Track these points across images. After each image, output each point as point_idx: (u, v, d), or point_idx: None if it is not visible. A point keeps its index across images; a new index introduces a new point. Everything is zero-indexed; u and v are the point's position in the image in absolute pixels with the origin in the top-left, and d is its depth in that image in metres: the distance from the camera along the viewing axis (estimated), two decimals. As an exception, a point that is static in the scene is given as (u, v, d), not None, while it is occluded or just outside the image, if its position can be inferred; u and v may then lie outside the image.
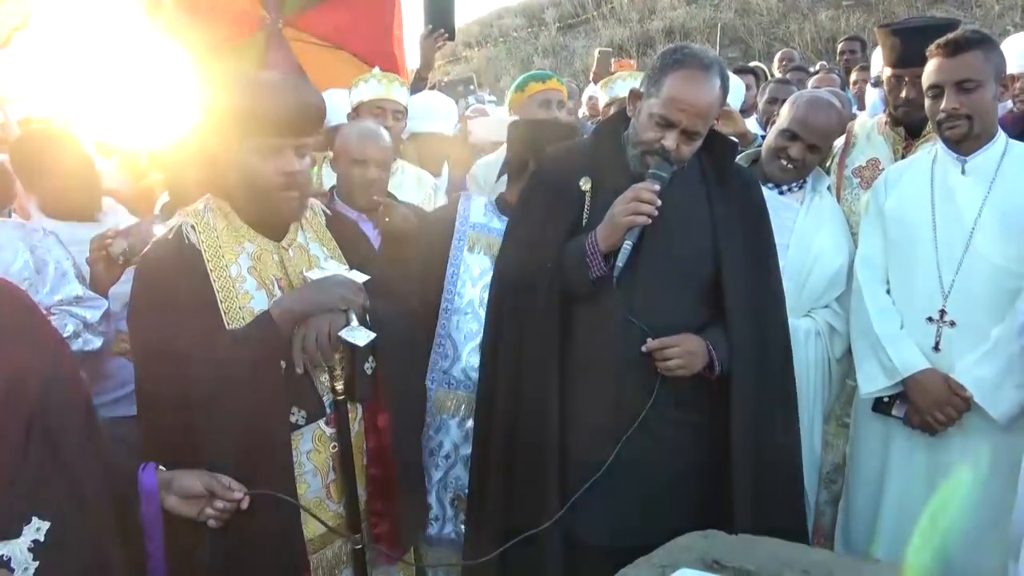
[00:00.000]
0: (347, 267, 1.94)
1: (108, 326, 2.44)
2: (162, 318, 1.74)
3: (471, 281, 2.50)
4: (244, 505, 1.61)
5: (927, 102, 2.34)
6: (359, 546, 1.96)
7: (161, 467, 1.59)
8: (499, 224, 2.55)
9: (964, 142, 2.31)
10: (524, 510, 2.01)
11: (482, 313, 2.42)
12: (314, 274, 1.87)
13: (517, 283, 2.06)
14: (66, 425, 1.39)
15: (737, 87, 3.80)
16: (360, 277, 1.90)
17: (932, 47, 2.30)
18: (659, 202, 1.87)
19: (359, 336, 1.80)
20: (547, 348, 1.99)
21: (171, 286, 1.76)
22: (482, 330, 2.37)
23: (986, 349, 2.24)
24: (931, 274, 2.34)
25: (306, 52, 4.88)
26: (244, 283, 1.83)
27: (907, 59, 2.60)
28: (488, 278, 2.40)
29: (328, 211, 2.09)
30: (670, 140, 1.89)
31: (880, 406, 2.43)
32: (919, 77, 2.47)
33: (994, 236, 2.26)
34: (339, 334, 1.79)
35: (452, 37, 4.01)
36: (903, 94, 2.64)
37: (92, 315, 2.39)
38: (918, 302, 2.38)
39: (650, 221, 1.87)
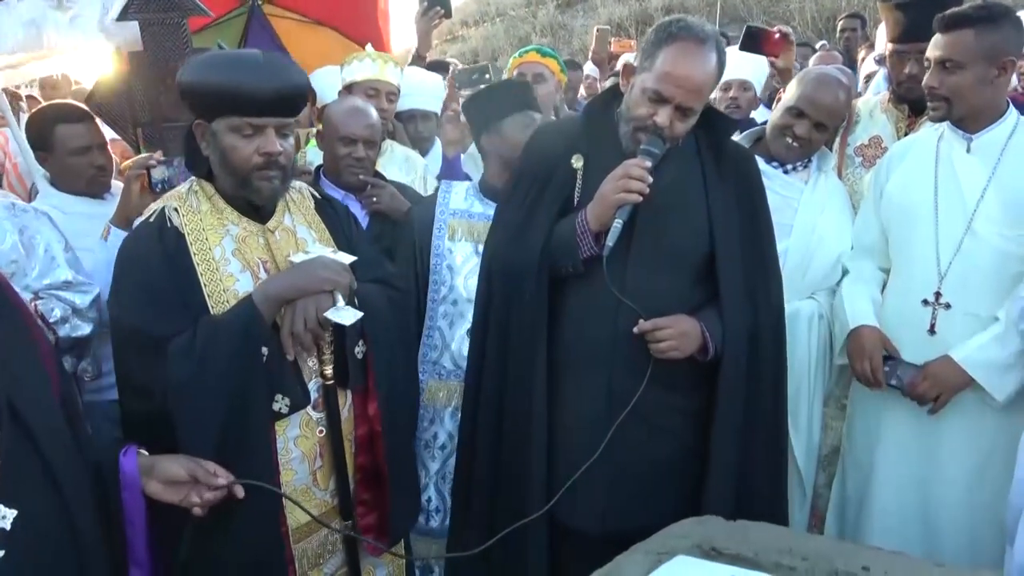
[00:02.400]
0: (333, 250, 1.91)
1: (99, 311, 2.40)
2: (142, 302, 1.73)
3: (455, 270, 2.45)
4: (240, 494, 1.57)
5: (928, 69, 2.29)
6: (350, 532, 1.93)
7: (143, 451, 1.55)
8: (481, 208, 2.51)
9: (963, 121, 2.25)
10: (511, 497, 1.98)
11: (468, 301, 2.37)
12: (298, 258, 1.84)
13: (506, 265, 2.01)
14: (40, 410, 1.35)
15: (759, 66, 3.61)
16: (346, 258, 1.87)
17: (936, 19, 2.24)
18: (650, 179, 1.82)
19: (345, 316, 1.77)
20: (535, 330, 1.95)
21: (152, 269, 1.75)
22: (470, 317, 2.32)
23: (996, 333, 2.20)
24: (929, 255, 2.29)
25: (287, 29, 4.82)
26: (228, 265, 1.81)
27: (910, 34, 2.54)
28: (472, 265, 2.36)
29: (317, 194, 2.05)
30: (663, 116, 1.83)
31: None
32: (922, 52, 2.41)
33: (996, 217, 2.21)
34: (325, 315, 1.76)
35: (448, 15, 3.94)
36: (906, 70, 2.59)
37: (82, 300, 2.35)
38: (916, 284, 2.33)
39: (641, 198, 1.82)
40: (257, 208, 1.87)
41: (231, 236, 1.84)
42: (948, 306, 2.27)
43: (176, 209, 1.82)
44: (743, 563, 1.47)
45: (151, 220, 1.82)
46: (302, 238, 1.93)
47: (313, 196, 2.04)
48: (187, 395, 1.67)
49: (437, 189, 2.63)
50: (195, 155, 1.85)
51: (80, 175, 2.70)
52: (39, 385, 1.38)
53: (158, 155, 2.37)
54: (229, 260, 1.81)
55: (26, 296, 2.19)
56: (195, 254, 1.78)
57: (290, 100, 1.77)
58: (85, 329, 2.32)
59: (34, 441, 1.31)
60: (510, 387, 1.99)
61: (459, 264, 2.43)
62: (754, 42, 2.67)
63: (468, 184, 2.63)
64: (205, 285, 1.77)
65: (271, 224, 1.89)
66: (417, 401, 2.40)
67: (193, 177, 1.89)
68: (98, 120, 2.78)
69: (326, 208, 2.04)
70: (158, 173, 2.26)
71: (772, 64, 3.11)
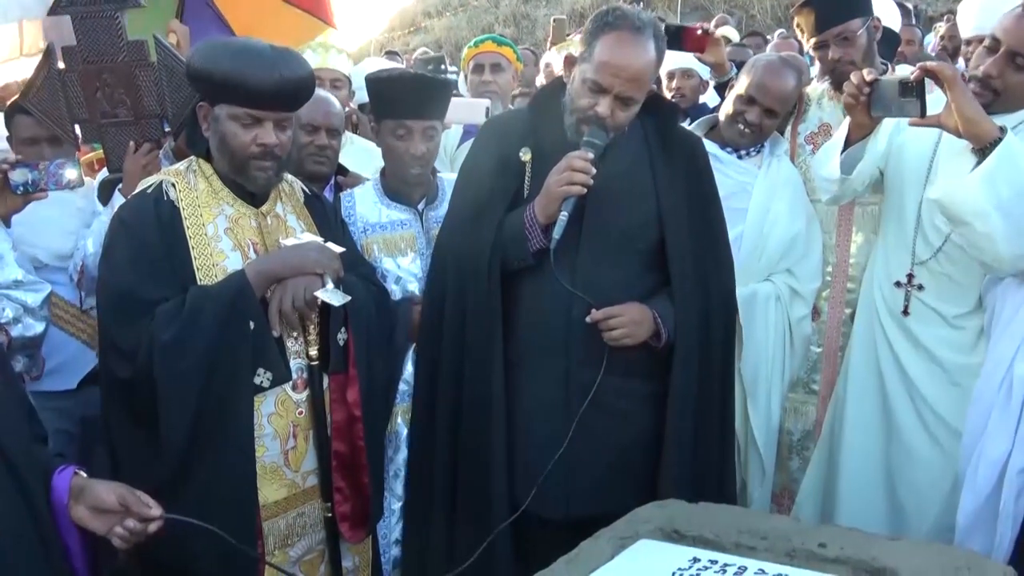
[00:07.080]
0: (324, 240, 1.97)
1: (50, 310, 2.35)
2: (134, 266, 1.79)
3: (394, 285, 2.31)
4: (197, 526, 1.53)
5: (978, 49, 2.09)
6: (329, 514, 1.98)
7: (81, 472, 1.51)
8: (390, 215, 2.32)
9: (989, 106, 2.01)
10: (473, 487, 1.99)
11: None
12: (289, 242, 1.92)
13: (459, 259, 2.01)
14: (7, 419, 1.36)
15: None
16: (336, 248, 1.94)
17: None
18: (593, 170, 1.82)
19: (334, 297, 1.84)
20: (490, 323, 1.96)
21: (146, 236, 1.82)
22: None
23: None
24: (907, 234, 2.27)
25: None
26: (220, 243, 1.88)
27: (824, 23, 2.51)
28: (403, 279, 2.29)
29: (308, 190, 2.12)
30: (603, 106, 1.84)
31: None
32: (839, 35, 2.43)
33: None
34: (315, 294, 1.82)
35: None
36: (830, 56, 2.54)
37: (33, 299, 2.29)
38: (892, 262, 2.32)
39: (585, 190, 1.83)
40: (252, 194, 1.94)
41: (225, 216, 1.90)
42: (921, 287, 2.25)
43: (173, 184, 1.88)
44: (704, 544, 1.51)
45: (148, 191, 1.88)
46: (292, 226, 2.00)
47: (303, 191, 2.10)
48: (171, 357, 1.72)
49: (338, 200, 2.41)
50: (196, 134, 1.92)
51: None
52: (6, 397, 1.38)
53: (13, 157, 2.17)
54: (221, 238, 1.88)
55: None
56: (188, 228, 1.85)
57: (291, 95, 1.83)
58: (38, 328, 2.27)
59: (5, 452, 1.32)
60: (467, 379, 2.00)
61: (391, 282, 2.28)
62: (675, 40, 2.66)
63: (368, 187, 2.40)
64: (196, 259, 1.84)
65: (264, 208, 1.96)
66: (392, 392, 2.31)
67: (193, 156, 1.96)
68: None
69: (314, 203, 2.10)
70: (18, 176, 2.06)
71: (701, 60, 3.11)
